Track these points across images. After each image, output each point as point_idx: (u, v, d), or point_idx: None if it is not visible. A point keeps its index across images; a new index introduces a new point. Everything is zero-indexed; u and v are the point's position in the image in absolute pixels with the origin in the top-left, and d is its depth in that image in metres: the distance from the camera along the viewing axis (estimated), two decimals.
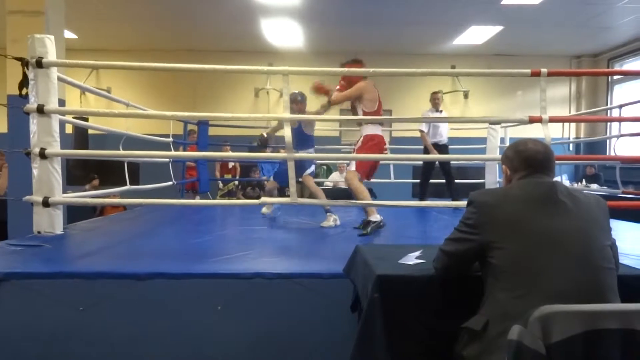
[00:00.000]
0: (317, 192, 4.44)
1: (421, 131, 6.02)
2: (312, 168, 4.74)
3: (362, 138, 3.93)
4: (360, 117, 3.91)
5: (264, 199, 3.69)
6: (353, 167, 3.87)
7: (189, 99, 10.14)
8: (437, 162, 6.05)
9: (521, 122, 3.76)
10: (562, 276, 1.30)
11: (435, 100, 6.08)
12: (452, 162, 6.02)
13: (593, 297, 1.25)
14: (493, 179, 6.04)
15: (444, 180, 6.28)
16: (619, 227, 4.18)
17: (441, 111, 6.17)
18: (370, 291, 1.62)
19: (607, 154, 9.35)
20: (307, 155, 4.48)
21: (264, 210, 4.95)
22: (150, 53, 9.55)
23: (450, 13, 7.78)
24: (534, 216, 1.39)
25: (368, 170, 3.95)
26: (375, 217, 3.78)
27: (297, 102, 4.48)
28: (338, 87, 4.04)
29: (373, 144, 3.86)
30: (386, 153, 4.64)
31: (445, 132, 6.11)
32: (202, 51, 9.83)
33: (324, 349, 2.29)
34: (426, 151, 5.97)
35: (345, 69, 3.58)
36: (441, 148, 6.02)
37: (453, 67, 10.12)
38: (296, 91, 4.56)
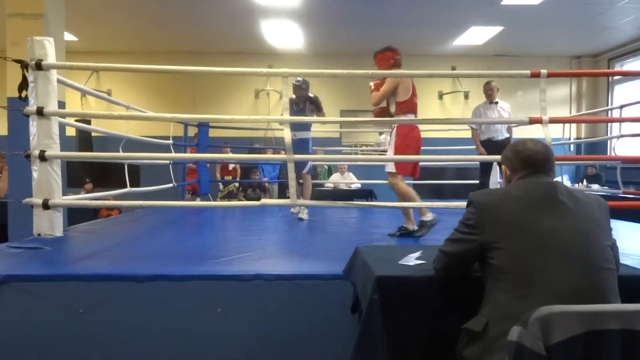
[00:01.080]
0: (308, 192, 4.78)
1: (472, 129, 5.58)
2: (310, 165, 5.00)
3: (395, 130, 3.62)
4: (366, 119, 3.91)
5: (264, 201, 3.69)
6: (391, 167, 3.56)
7: (189, 101, 10.15)
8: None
9: (521, 123, 3.76)
10: (562, 277, 1.30)
11: (488, 92, 5.63)
12: (450, 162, 5.96)
13: (593, 298, 1.25)
14: (494, 179, 6.02)
15: (443, 182, 6.23)
16: (619, 228, 4.18)
17: (496, 102, 5.65)
18: (370, 292, 1.62)
19: (608, 154, 9.34)
20: (305, 157, 4.53)
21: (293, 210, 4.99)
22: (151, 55, 9.55)
23: (450, 13, 7.78)
24: (534, 216, 1.39)
25: (412, 166, 3.64)
26: (428, 216, 3.51)
27: (302, 89, 4.83)
28: (372, 86, 3.81)
29: (409, 135, 3.55)
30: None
31: (501, 126, 5.48)
32: (202, 53, 9.84)
33: (324, 350, 2.29)
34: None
35: (344, 72, 3.57)
36: (497, 144, 5.35)
37: (453, 67, 10.12)
38: (300, 78, 4.86)
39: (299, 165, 4.75)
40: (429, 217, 3.51)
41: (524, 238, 1.36)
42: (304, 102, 4.93)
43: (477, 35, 8.96)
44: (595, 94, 10.69)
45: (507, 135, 5.58)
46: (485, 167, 5.61)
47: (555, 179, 1.53)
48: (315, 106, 4.93)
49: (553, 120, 3.50)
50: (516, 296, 1.31)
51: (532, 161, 1.52)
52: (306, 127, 4.92)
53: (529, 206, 1.41)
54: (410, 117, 3.62)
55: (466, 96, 10.63)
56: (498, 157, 2.31)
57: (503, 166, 1.62)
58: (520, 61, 9.72)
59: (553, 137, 3.52)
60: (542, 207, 1.41)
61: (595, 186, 7.93)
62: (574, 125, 10.76)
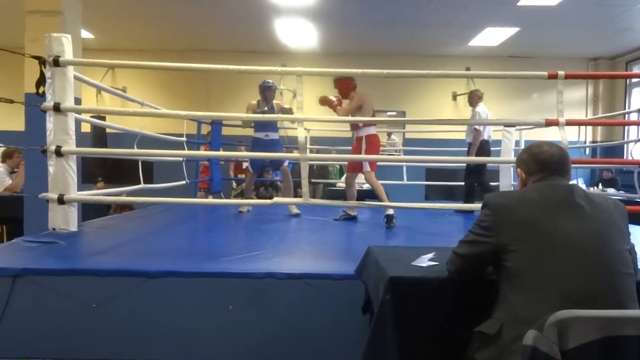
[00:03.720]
0: (290, 185, 5.11)
1: (478, 130, 5.52)
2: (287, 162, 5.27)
3: (364, 138, 4.38)
4: (374, 118, 3.96)
5: (276, 199, 3.70)
6: (369, 167, 4.36)
7: (203, 100, 10.20)
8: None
9: (537, 125, 3.72)
10: (579, 281, 1.28)
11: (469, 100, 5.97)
12: (462, 164, 5.87)
13: (611, 303, 1.23)
14: (507, 182, 5.97)
15: (454, 183, 6.13)
16: (636, 233, 4.10)
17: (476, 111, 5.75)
18: (382, 293, 1.61)
19: (625, 158, 9.20)
20: (321, 156, 4.64)
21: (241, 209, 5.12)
22: (165, 53, 9.62)
23: (465, 14, 7.72)
24: (550, 219, 1.37)
25: (375, 165, 4.51)
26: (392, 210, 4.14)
27: (272, 90, 5.01)
28: (335, 101, 4.49)
29: (375, 142, 4.46)
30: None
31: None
32: (216, 51, 9.88)
33: (334, 350, 2.28)
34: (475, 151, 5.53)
35: (360, 71, 3.57)
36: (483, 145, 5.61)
37: (468, 68, 10.04)
38: (270, 80, 5.05)
39: (277, 164, 5.16)
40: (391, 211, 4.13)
41: (540, 241, 1.34)
42: (270, 105, 4.95)
43: (492, 36, 8.88)
44: (612, 97, 10.53)
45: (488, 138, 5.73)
46: (475, 169, 5.67)
47: (571, 182, 1.51)
48: (282, 111, 5.09)
49: (570, 123, 3.46)
50: (531, 300, 1.29)
51: (548, 164, 1.50)
52: (276, 128, 5.17)
53: (545, 209, 1.39)
54: (372, 129, 4.43)
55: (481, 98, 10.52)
56: (512, 160, 2.29)
57: (518, 169, 1.60)
58: (536, 63, 9.63)
59: (568, 141, 3.47)
60: (558, 209, 1.39)
61: (611, 190, 7.82)
62: (589, 129, 10.61)
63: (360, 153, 4.41)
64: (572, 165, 1.59)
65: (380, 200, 4.31)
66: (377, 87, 8.47)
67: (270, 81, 5.00)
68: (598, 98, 10.61)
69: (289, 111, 5.08)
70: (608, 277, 1.29)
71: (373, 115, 4.54)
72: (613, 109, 10.08)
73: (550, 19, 7.85)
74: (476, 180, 5.61)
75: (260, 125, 4.97)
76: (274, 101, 5.02)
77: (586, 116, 10.39)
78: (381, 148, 9.42)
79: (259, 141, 4.94)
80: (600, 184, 8.75)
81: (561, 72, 3.33)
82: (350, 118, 4.35)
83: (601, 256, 1.31)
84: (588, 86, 10.66)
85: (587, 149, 10.31)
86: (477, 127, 5.49)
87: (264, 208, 5.38)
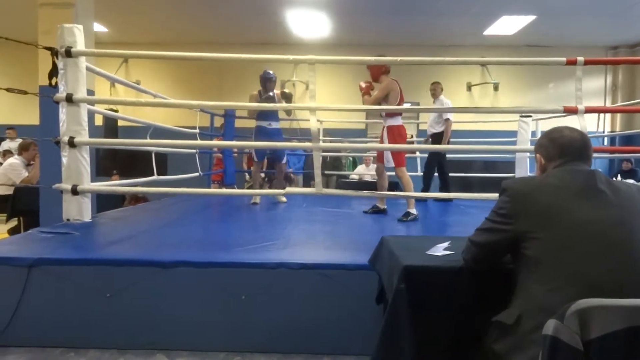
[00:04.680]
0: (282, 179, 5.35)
1: (449, 120, 5.81)
2: (286, 158, 5.53)
3: (385, 129, 4.14)
4: (389, 107, 3.91)
5: (289, 190, 3.68)
6: (392, 161, 4.09)
7: (216, 93, 10.21)
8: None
9: (555, 113, 3.64)
10: (601, 269, 1.23)
11: (431, 91, 6.08)
12: (480, 155, 5.88)
13: (634, 292, 1.17)
14: (523, 173, 5.88)
15: (471, 174, 6.12)
16: None
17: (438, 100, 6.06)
18: (396, 282, 1.57)
19: None
20: (334, 145, 4.58)
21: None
22: (178, 47, 9.61)
23: (480, 2, 7.59)
24: (571, 205, 1.32)
25: (404, 159, 4.19)
26: (414, 210, 4.03)
27: (273, 82, 4.98)
28: (363, 87, 4.26)
29: (397, 133, 4.10)
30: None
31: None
32: (228, 44, 9.84)
33: (348, 340, 2.27)
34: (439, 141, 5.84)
35: (373, 58, 3.52)
36: (434, 137, 5.95)
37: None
38: (271, 71, 5.02)
39: (280, 156, 5.33)
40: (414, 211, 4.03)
41: (561, 228, 1.29)
42: (271, 96, 4.97)
43: (508, 25, 8.72)
44: (633, 86, 10.28)
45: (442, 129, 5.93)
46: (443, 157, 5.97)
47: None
48: (285, 100, 5.03)
49: (589, 110, 3.37)
50: (552, 288, 1.24)
51: (569, 149, 1.45)
52: (277, 117, 5.22)
53: (566, 195, 1.34)
54: (399, 120, 4.13)
55: (496, 88, 10.37)
56: (530, 148, 2.23)
57: (537, 155, 1.55)
58: (553, 52, 9.41)
59: (587, 131, 3.39)
60: (580, 196, 1.33)
61: (631, 181, 7.66)
62: (608, 118, 10.39)
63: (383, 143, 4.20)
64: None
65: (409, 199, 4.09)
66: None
67: (271, 72, 5.03)
68: (617, 87, 10.37)
69: (289, 96, 5.03)
70: (632, 266, 1.24)
71: (401, 104, 4.17)
72: (633, 98, 9.82)
73: (568, 6, 7.67)
74: (442, 169, 5.93)
75: (263, 114, 5.05)
76: (275, 91, 5.05)
77: (605, 105, 10.17)
78: None
79: (263, 130, 5.02)
80: (619, 175, 8.58)
81: (580, 58, 3.24)
82: (364, 107, 4.22)
83: (625, 244, 1.26)
84: (607, 75, 10.42)
85: (606, 139, 10.10)
86: (449, 116, 5.80)
87: (276, 199, 5.38)
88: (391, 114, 4.08)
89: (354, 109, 4.63)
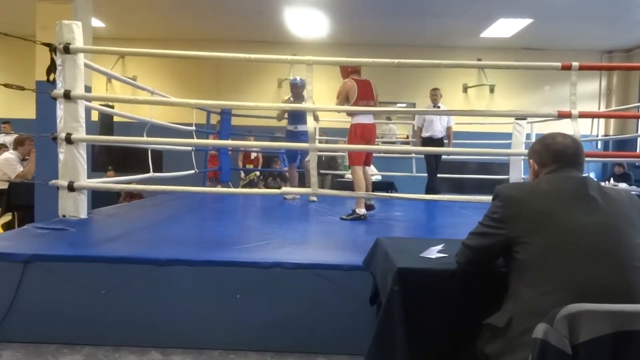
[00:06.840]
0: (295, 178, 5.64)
1: (419, 128, 6.35)
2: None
3: (350, 127, 4.14)
4: (394, 109, 3.89)
5: (284, 189, 3.70)
6: (346, 159, 4.30)
7: (212, 90, 10.20)
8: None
9: (549, 117, 3.67)
10: (591, 274, 1.25)
11: (432, 97, 6.35)
12: (475, 157, 6.01)
13: (623, 297, 1.20)
14: (518, 175, 5.92)
15: (465, 176, 6.23)
16: None
17: (439, 106, 6.33)
18: (390, 284, 1.60)
19: (638, 152, 9.07)
20: (330, 146, 4.58)
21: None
22: (175, 43, 9.60)
23: (477, 5, 7.62)
24: (562, 211, 1.34)
25: (363, 157, 4.18)
26: (361, 210, 4.00)
27: (299, 87, 5.26)
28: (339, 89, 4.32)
29: (355, 131, 4.07)
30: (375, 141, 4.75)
31: (439, 127, 6.34)
32: (226, 41, 9.85)
33: (341, 340, 2.29)
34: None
35: (370, 60, 3.53)
36: (436, 142, 6.28)
37: (479, 60, 9.92)
38: (297, 77, 5.40)
39: (304, 155, 5.65)
40: (362, 211, 4.00)
41: (552, 233, 1.32)
42: (301, 100, 5.12)
43: (505, 28, 8.76)
44: (626, 90, 10.36)
45: (444, 135, 6.39)
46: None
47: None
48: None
49: (583, 115, 3.41)
50: (542, 292, 1.27)
51: (561, 155, 1.47)
52: (305, 120, 5.25)
53: (558, 201, 1.37)
54: (360, 118, 4.06)
55: (492, 90, 10.42)
56: (524, 152, 2.26)
57: (530, 160, 1.57)
58: (549, 55, 9.49)
59: (580, 134, 3.43)
60: (571, 202, 1.36)
61: (623, 185, 7.73)
62: (602, 122, 10.47)
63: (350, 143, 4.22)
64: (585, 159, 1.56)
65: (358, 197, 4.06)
66: (387, 78, 8.39)
67: (297, 78, 5.35)
68: (611, 91, 10.45)
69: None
70: (621, 272, 1.27)
71: (358, 103, 4.07)
72: (627, 102, 9.91)
73: (564, 10, 7.72)
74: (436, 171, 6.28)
75: (291, 118, 5.45)
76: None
77: (599, 110, 10.24)
78: (382, 137, 9.46)
79: (289, 132, 5.43)
80: (612, 179, 8.65)
81: (575, 63, 3.28)
82: (364, 107, 4.19)
83: (614, 250, 1.29)
84: (602, 79, 10.50)
85: (599, 143, 10.17)
86: (451, 123, 6.29)
87: (272, 198, 5.39)
88: (351, 113, 4.13)
89: (353, 109, 4.63)
